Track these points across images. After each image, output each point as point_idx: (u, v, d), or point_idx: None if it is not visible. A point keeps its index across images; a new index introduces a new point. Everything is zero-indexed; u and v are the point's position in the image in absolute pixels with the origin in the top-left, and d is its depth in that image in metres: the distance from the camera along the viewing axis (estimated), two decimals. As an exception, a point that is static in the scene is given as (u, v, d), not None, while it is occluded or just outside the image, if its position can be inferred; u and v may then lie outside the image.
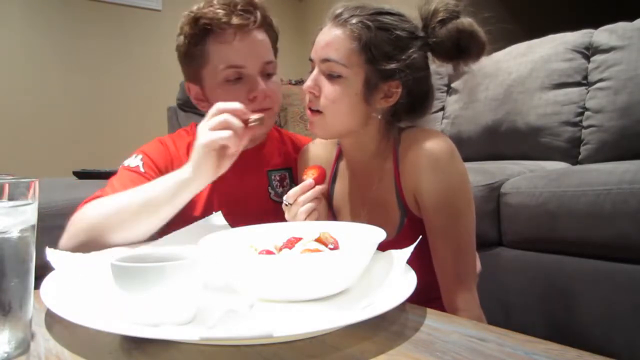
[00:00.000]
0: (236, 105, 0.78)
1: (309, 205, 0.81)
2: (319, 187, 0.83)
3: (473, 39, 0.83)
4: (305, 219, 0.81)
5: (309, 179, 0.83)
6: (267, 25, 1.00)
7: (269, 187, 1.05)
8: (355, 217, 0.92)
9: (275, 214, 0.92)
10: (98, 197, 0.90)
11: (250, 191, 1.02)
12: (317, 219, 0.83)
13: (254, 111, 0.87)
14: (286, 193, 0.84)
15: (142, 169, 0.95)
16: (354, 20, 0.80)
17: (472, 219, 0.83)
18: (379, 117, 0.84)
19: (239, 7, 0.94)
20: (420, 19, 0.85)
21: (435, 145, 0.80)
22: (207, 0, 0.96)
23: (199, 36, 0.95)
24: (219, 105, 0.78)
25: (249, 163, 0.99)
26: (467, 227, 0.82)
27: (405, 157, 0.84)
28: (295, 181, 1.05)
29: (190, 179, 0.80)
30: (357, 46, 0.80)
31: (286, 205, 0.84)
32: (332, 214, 0.98)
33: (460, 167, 0.82)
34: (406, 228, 0.85)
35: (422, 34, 0.84)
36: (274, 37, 1.02)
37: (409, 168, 0.83)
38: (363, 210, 0.92)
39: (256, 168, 1.03)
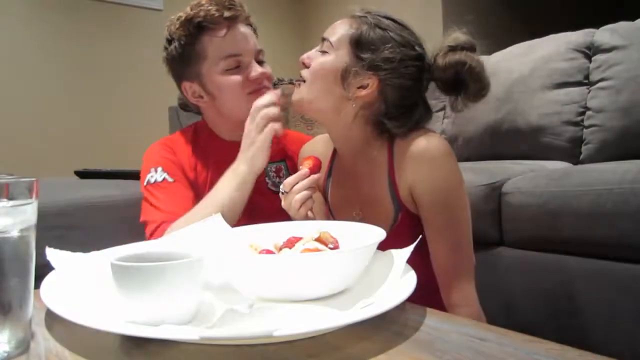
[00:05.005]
0: (270, 97, 0.94)
1: (304, 193, 0.86)
2: (313, 176, 0.87)
3: (473, 76, 0.85)
4: (300, 207, 0.85)
5: (304, 168, 0.88)
6: (248, 20, 1.09)
7: (266, 178, 1.11)
8: (350, 214, 0.95)
9: (272, 203, 0.99)
10: (160, 224, 0.96)
11: None
12: (312, 208, 0.88)
13: (256, 90, 1.03)
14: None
15: (170, 179, 1.03)
16: (359, 14, 0.88)
17: (467, 214, 0.86)
18: (353, 105, 0.87)
19: (226, 3, 1.03)
20: (417, 42, 0.88)
21: (431, 144, 0.83)
22: (194, 4, 1.04)
23: (193, 35, 1.02)
24: (257, 104, 0.94)
25: None
26: (462, 223, 0.85)
27: (402, 153, 0.85)
28: (291, 173, 1.07)
29: (250, 172, 0.93)
30: (351, 33, 0.86)
31: (282, 193, 0.89)
32: (329, 211, 1.00)
33: (455, 164, 0.85)
34: (400, 223, 0.87)
35: (420, 50, 0.87)
36: (254, 32, 1.11)
37: (405, 164, 0.85)
38: (357, 206, 0.94)
39: None
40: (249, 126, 0.94)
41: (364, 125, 0.89)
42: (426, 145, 0.83)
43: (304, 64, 0.90)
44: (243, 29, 1.05)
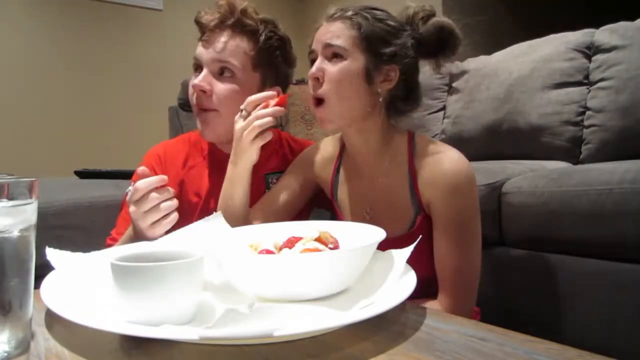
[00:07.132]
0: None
1: (267, 119, 0.84)
2: (279, 108, 0.86)
3: (452, 35, 0.88)
4: (255, 138, 0.84)
5: (272, 92, 0.85)
6: (243, 33, 0.99)
7: (266, 190, 1.06)
8: (360, 212, 0.94)
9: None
10: (106, 242, 1.01)
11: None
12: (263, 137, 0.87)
13: (194, 105, 1.00)
14: None
15: None
16: (350, 13, 0.86)
17: (479, 235, 0.86)
18: (381, 99, 0.88)
19: (220, 10, 0.99)
20: (404, 22, 0.90)
21: (456, 170, 0.83)
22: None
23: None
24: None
25: None
26: (473, 246, 0.85)
27: (424, 168, 0.86)
28: None
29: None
30: (357, 34, 0.85)
31: (242, 110, 0.86)
32: (337, 209, 0.99)
33: (475, 189, 0.85)
34: (418, 225, 0.87)
35: (408, 28, 0.89)
36: (252, 47, 1.00)
37: (428, 182, 0.85)
38: (369, 204, 0.93)
39: (254, 171, 1.03)
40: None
41: (383, 114, 0.90)
42: (450, 168, 0.83)
43: (317, 79, 0.86)
44: (222, 37, 0.98)
